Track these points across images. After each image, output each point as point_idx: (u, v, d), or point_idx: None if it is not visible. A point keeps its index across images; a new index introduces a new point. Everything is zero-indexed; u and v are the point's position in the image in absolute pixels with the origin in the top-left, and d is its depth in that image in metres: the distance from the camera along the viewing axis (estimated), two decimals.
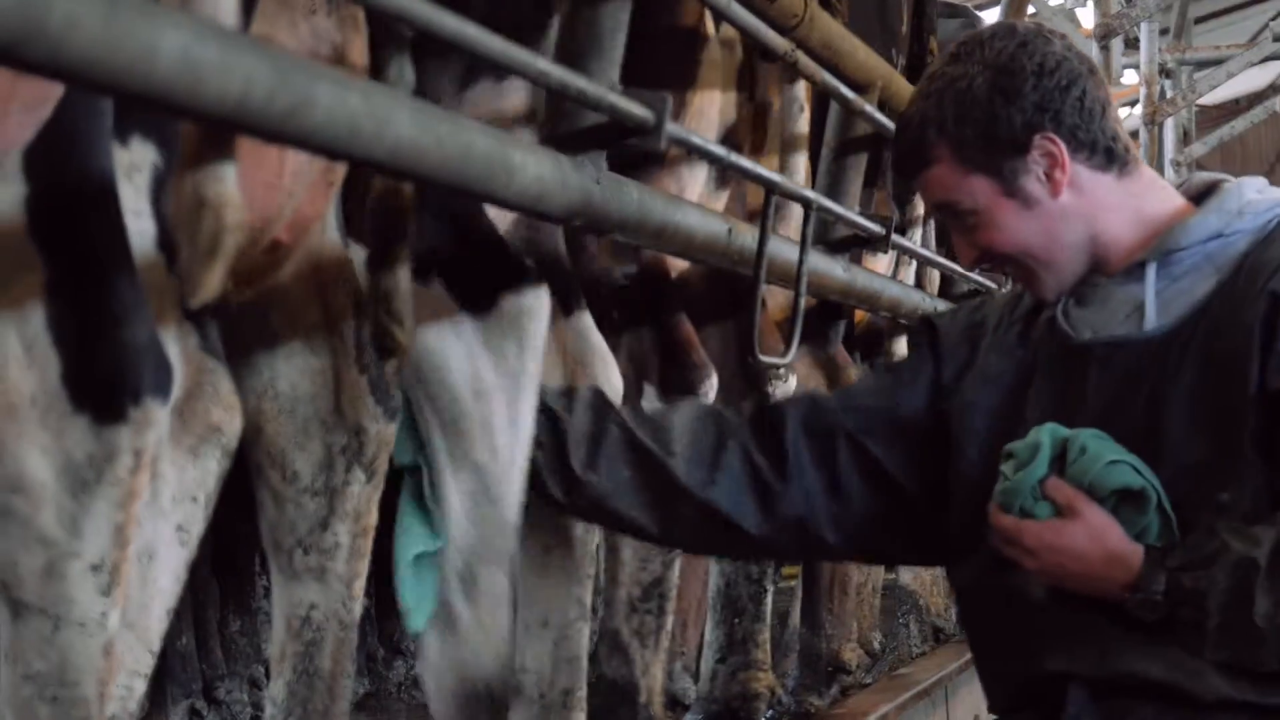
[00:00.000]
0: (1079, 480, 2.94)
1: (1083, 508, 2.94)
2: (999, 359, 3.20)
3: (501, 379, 3.11)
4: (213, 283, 2.16)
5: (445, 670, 3.17)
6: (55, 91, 2.00)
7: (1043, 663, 3.06)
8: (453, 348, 3.11)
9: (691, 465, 3.24)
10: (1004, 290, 3.42)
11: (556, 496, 3.23)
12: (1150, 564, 2.91)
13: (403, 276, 2.73)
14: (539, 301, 3.13)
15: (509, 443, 3.14)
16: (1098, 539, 2.94)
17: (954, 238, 3.13)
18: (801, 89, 4.15)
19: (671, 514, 3.25)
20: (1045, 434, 2.97)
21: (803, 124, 4.23)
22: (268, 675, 5.68)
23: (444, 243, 3.11)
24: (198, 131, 2.20)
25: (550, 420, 3.19)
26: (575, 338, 3.36)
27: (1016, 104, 2.98)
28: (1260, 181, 3.10)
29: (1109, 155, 3.04)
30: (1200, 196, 3.12)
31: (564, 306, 3.34)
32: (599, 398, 3.25)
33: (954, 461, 3.19)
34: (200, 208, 2.14)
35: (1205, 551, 2.88)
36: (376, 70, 2.64)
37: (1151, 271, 3.04)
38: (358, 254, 2.90)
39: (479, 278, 3.12)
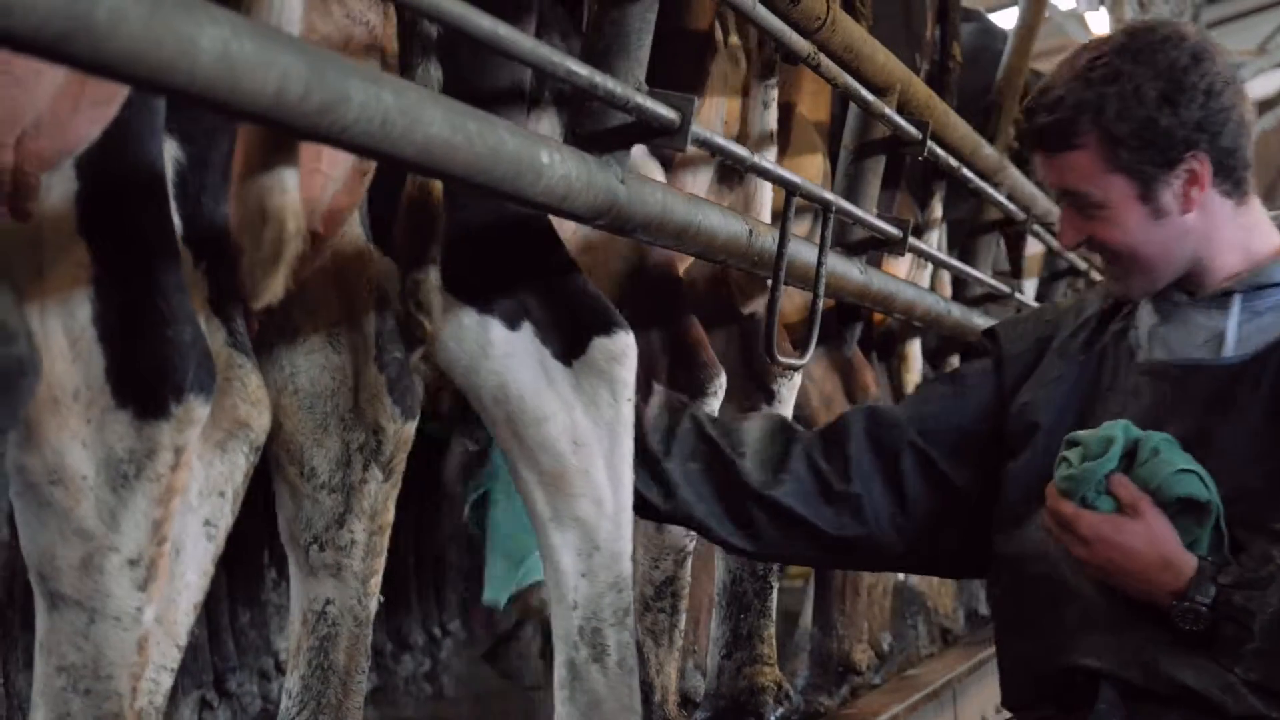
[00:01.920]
0: (1146, 482, 2.97)
1: (1146, 510, 2.97)
2: (1061, 362, 3.21)
3: (598, 428, 3.12)
4: (277, 288, 2.17)
5: None
6: (122, 88, 2.01)
7: (1074, 656, 3.07)
8: (548, 398, 3.12)
9: (757, 466, 3.27)
10: (1065, 298, 3.42)
11: (645, 492, 3.26)
12: (1202, 575, 2.94)
13: (432, 270, 2.74)
14: (629, 345, 3.14)
15: (612, 494, 3.16)
16: (1155, 543, 2.96)
17: (1064, 216, 3.14)
18: (773, 115, 4.14)
19: (742, 513, 3.28)
20: (1119, 429, 2.98)
21: (770, 121, 4.20)
22: (278, 667, 5.72)
23: (531, 288, 3.13)
24: (259, 135, 2.21)
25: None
26: None
27: (1181, 117, 2.99)
28: None
29: (1237, 184, 3.07)
30: None
31: None
32: (673, 398, 3.27)
33: (1008, 457, 3.20)
34: (263, 216, 2.15)
35: (1260, 574, 2.92)
36: (405, 70, 2.64)
37: (1237, 303, 3.08)
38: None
39: (569, 322, 3.14)
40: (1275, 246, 3.13)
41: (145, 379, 2.15)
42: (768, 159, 3.86)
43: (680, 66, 3.67)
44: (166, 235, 2.19)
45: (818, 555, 3.49)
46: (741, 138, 4.03)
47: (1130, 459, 2.99)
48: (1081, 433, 3.03)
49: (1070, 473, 3.00)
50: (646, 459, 3.26)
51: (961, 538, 3.35)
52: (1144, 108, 3.00)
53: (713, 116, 3.86)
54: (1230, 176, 3.06)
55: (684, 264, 3.97)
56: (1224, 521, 2.98)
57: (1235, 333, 3.08)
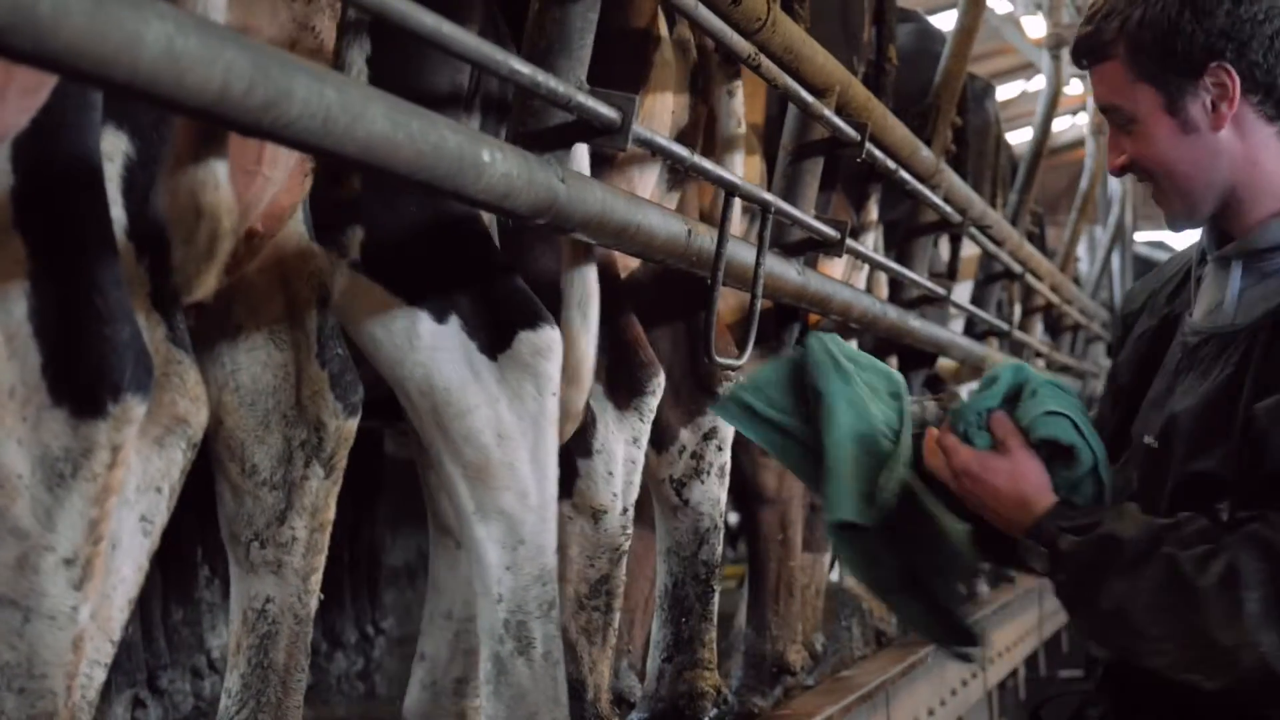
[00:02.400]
0: (1020, 420, 3.03)
1: (1015, 448, 3.01)
2: (1148, 318, 3.20)
3: (522, 422, 3.13)
4: (210, 283, 2.17)
5: None
6: (50, 77, 1.99)
7: (1092, 645, 3.13)
8: (473, 391, 3.12)
9: None
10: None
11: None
12: (1049, 516, 2.95)
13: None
14: (554, 340, 3.15)
15: (536, 488, 3.16)
16: (1016, 480, 2.99)
17: (1110, 138, 3.10)
18: (740, 103, 4.14)
19: None
20: (1009, 370, 3.07)
21: (739, 133, 4.21)
22: (210, 665, 5.69)
23: (460, 282, 3.13)
24: (191, 130, 2.19)
25: None
26: None
27: (1204, 24, 2.93)
28: None
29: (1279, 104, 2.99)
30: None
31: None
32: None
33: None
34: (197, 213, 2.14)
35: (1091, 519, 2.92)
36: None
37: (1237, 269, 3.03)
38: None
39: (496, 317, 3.14)
40: None
41: (82, 377, 2.12)
42: (734, 160, 3.88)
43: (623, 62, 3.67)
44: (105, 230, 2.17)
45: None
46: (694, 132, 4.04)
47: (1018, 399, 3.05)
48: (988, 372, 3.10)
49: (956, 406, 3.10)
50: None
51: None
52: (1167, 12, 2.95)
53: (658, 108, 3.86)
54: (1268, 94, 2.97)
55: (630, 266, 3.97)
56: (1104, 471, 3.02)
57: (1236, 298, 3.01)
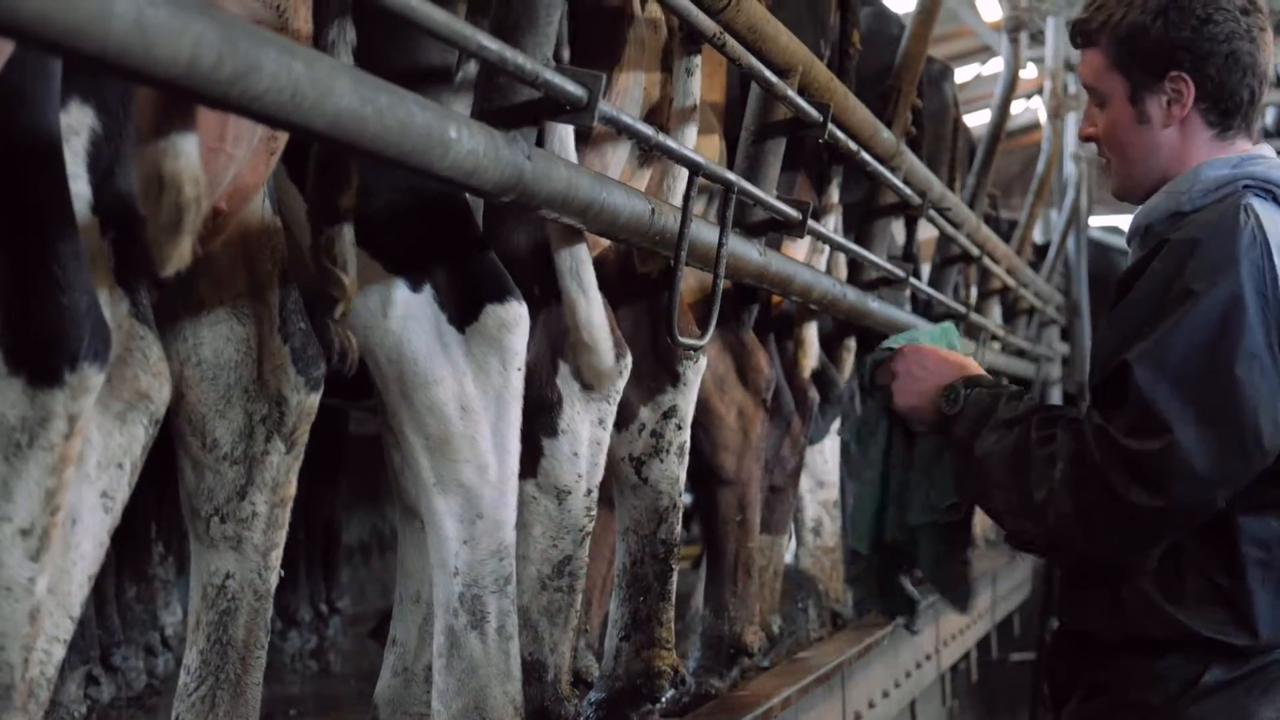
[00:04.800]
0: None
1: (924, 356, 3.71)
2: None
3: (486, 396, 3.13)
4: (182, 255, 2.15)
5: (454, 700, 3.17)
6: (5, 47, 1.97)
7: None
8: (440, 363, 3.12)
9: None
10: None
11: None
12: (975, 377, 3.59)
13: (346, 226, 2.74)
14: (520, 315, 3.15)
15: (496, 462, 3.16)
16: (945, 362, 3.67)
17: (1087, 110, 3.54)
18: (697, 82, 4.13)
19: None
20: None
21: (695, 113, 4.20)
22: (163, 642, 5.66)
23: (436, 252, 3.14)
24: (159, 102, 2.17)
25: None
26: None
27: (1171, 35, 3.33)
28: (1227, 159, 3.39)
29: (1223, 114, 3.38)
30: None
31: None
32: None
33: None
34: (160, 184, 2.12)
35: (999, 388, 3.54)
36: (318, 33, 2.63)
37: (1134, 248, 3.47)
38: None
39: (467, 288, 3.15)
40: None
41: (38, 346, 2.09)
42: (688, 135, 3.87)
43: (596, 39, 3.66)
44: (63, 203, 2.14)
45: None
46: (665, 110, 4.03)
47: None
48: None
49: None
50: None
51: None
52: (1145, 18, 3.34)
53: (630, 85, 3.85)
54: (1217, 106, 3.37)
55: (598, 246, 3.96)
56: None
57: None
